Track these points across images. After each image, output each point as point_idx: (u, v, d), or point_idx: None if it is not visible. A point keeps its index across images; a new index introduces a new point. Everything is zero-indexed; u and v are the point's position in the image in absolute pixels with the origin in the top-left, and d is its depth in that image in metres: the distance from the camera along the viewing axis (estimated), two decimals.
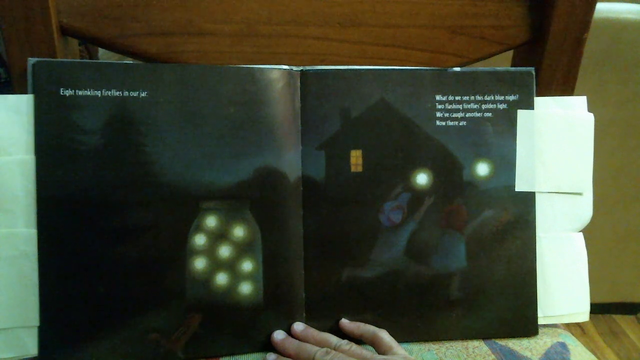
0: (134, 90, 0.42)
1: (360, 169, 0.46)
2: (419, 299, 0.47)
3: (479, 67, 0.48)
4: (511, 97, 0.48)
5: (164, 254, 0.43)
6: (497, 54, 0.51)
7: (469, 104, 0.47)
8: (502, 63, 0.53)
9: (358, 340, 0.45)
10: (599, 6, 0.81)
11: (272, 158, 0.45)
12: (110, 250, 0.42)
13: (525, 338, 0.48)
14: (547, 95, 0.49)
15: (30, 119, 0.41)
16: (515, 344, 0.47)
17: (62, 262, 0.41)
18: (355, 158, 0.46)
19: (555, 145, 0.48)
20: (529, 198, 0.48)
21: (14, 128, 0.41)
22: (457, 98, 0.47)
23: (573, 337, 0.49)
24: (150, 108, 0.43)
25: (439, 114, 0.47)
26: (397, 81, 0.46)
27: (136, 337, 0.43)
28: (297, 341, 0.44)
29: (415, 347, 0.47)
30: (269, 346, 0.45)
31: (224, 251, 0.44)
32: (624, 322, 1.23)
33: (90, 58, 1.04)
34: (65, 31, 0.45)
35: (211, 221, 0.44)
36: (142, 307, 0.43)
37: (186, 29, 0.46)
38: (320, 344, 0.43)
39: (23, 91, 0.42)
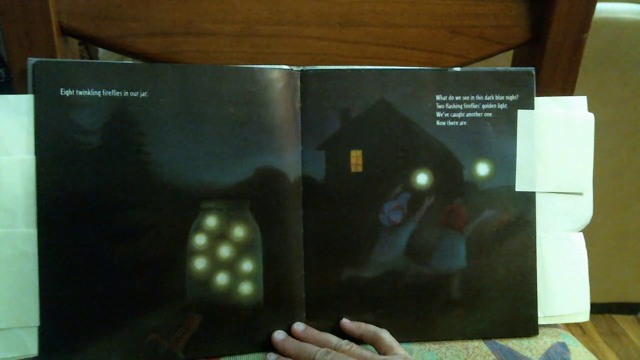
0: (134, 90, 0.42)
1: (360, 169, 0.46)
2: (419, 299, 0.47)
3: (479, 67, 0.48)
4: (511, 97, 0.48)
5: (164, 254, 0.43)
6: (497, 54, 0.51)
7: (469, 104, 0.47)
8: (502, 63, 0.53)
9: (358, 340, 0.45)
10: (599, 6, 0.81)
11: (272, 158, 0.45)
12: (110, 250, 0.42)
13: (525, 338, 0.48)
14: (547, 95, 0.49)
15: (30, 119, 0.41)
16: (515, 344, 0.47)
17: (62, 262, 0.41)
18: (355, 158, 0.46)
19: (555, 145, 0.48)
20: (529, 198, 0.48)
21: (14, 128, 0.41)
22: (457, 98, 0.47)
23: (573, 337, 0.49)
24: (150, 108, 0.43)
25: (439, 114, 0.47)
26: (397, 81, 0.46)
27: (136, 337, 0.43)
28: (297, 341, 0.44)
29: (415, 347, 0.47)
30: (269, 346, 0.45)
31: (224, 251, 0.44)
32: (624, 322, 1.24)
33: (90, 58, 1.04)
34: (65, 31, 0.45)
35: (211, 221, 0.44)
36: (142, 307, 0.43)
37: (186, 29, 0.46)
38: (321, 344, 0.43)
39: (23, 91, 0.42)
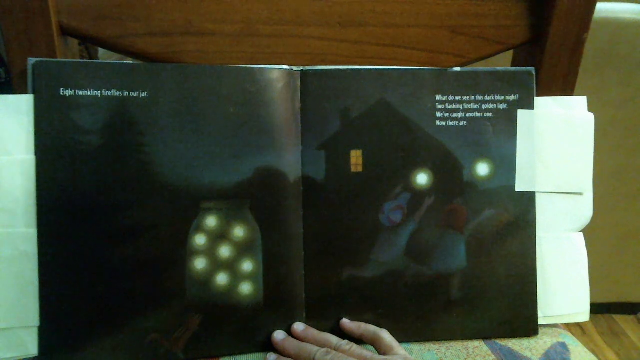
0: (134, 90, 0.42)
1: (360, 169, 0.46)
2: (419, 299, 0.47)
3: (479, 67, 0.48)
4: (511, 97, 0.48)
5: (164, 254, 0.43)
6: (497, 54, 0.51)
7: (469, 104, 0.47)
8: (502, 63, 0.53)
9: (358, 340, 0.45)
10: (599, 6, 0.81)
11: (272, 158, 0.45)
12: (110, 250, 0.42)
13: (525, 338, 0.48)
14: (547, 95, 0.49)
15: (30, 119, 0.41)
16: (515, 344, 0.47)
17: (62, 262, 0.41)
18: (355, 158, 0.46)
19: (555, 145, 0.48)
20: (529, 198, 0.48)
21: (14, 128, 0.41)
22: (457, 98, 0.47)
23: (573, 337, 0.49)
24: (150, 108, 0.43)
25: (439, 114, 0.47)
26: (397, 81, 0.46)
27: (136, 337, 0.43)
28: (297, 341, 0.44)
29: (416, 347, 0.47)
30: (269, 346, 0.45)
31: (224, 251, 0.44)
32: (624, 322, 1.23)
33: (90, 58, 1.04)
34: (65, 31, 0.45)
35: (211, 221, 0.44)
36: (142, 307, 0.43)
37: (186, 29, 0.46)
38: (321, 344, 0.43)
39: (23, 91, 0.42)
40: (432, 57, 0.49)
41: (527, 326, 0.48)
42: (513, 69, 0.49)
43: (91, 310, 0.42)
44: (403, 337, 0.46)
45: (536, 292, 0.49)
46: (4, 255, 0.41)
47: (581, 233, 0.50)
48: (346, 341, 0.43)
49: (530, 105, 0.48)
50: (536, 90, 0.48)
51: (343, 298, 0.47)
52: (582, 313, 0.50)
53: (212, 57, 0.47)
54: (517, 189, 0.48)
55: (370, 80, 0.46)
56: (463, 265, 0.48)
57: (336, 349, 0.42)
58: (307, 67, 0.46)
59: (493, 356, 0.46)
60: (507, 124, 0.48)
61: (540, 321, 0.49)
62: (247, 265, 0.45)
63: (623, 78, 0.93)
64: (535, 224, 0.48)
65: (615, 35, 0.89)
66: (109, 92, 0.42)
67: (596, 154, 0.49)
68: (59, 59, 0.43)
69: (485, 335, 0.48)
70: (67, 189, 0.41)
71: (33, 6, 0.42)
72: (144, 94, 0.43)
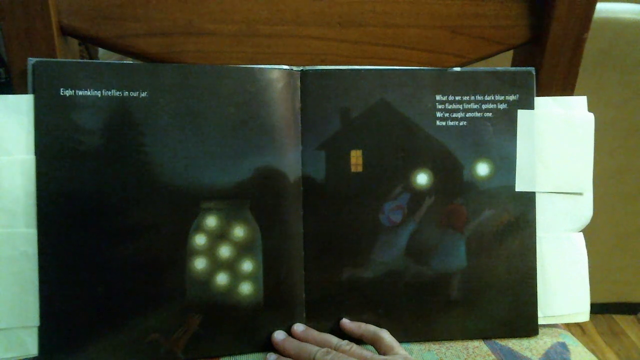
0: (134, 90, 0.42)
1: (360, 169, 0.46)
2: (419, 298, 0.47)
3: (479, 67, 0.48)
4: (511, 97, 0.48)
5: (164, 254, 0.43)
6: (497, 54, 0.51)
7: (469, 104, 0.47)
8: (502, 63, 0.53)
9: (358, 340, 0.45)
10: (599, 6, 0.81)
11: (272, 158, 0.45)
12: (110, 250, 0.42)
13: (525, 338, 0.48)
14: (547, 95, 0.49)
15: (30, 119, 0.41)
16: (515, 344, 0.47)
17: (62, 262, 0.41)
18: (356, 158, 0.46)
19: (555, 145, 0.49)
20: (529, 198, 0.48)
21: (14, 128, 0.41)
22: (457, 98, 0.47)
23: (573, 337, 0.49)
24: (150, 108, 0.43)
25: (439, 114, 0.47)
26: (397, 81, 0.46)
27: (136, 337, 0.43)
28: (297, 341, 0.44)
29: (415, 347, 0.47)
30: (269, 346, 0.45)
31: (224, 251, 0.44)
32: (624, 322, 1.24)
33: (90, 58, 1.04)
34: (65, 31, 0.45)
35: (211, 221, 0.44)
36: (142, 307, 0.43)
37: (186, 29, 0.46)
38: (321, 344, 0.43)
39: (23, 91, 0.42)
40: (432, 57, 0.49)
41: (527, 326, 0.48)
42: (513, 69, 0.49)
43: (91, 310, 0.42)
44: (403, 337, 0.46)
45: (536, 292, 0.49)
46: (4, 255, 0.41)
47: (581, 233, 0.50)
48: (346, 341, 0.43)
49: (530, 105, 0.48)
50: (536, 90, 0.48)
51: (343, 298, 0.47)
52: (582, 313, 0.50)
53: (212, 57, 0.47)
54: (517, 189, 0.48)
55: (370, 80, 0.46)
56: (463, 265, 0.48)
57: (336, 349, 0.42)
58: (307, 67, 0.46)
59: (493, 356, 0.46)
60: (507, 124, 0.48)
61: (540, 321, 0.49)
62: (247, 265, 0.45)
63: (623, 78, 0.93)
64: (535, 224, 0.48)
65: (615, 35, 0.89)
66: (109, 92, 0.42)
67: (596, 154, 0.49)
68: (59, 59, 0.43)
69: (485, 335, 0.48)
70: (67, 189, 0.41)
71: (33, 6, 0.42)
72: (144, 94, 0.43)
